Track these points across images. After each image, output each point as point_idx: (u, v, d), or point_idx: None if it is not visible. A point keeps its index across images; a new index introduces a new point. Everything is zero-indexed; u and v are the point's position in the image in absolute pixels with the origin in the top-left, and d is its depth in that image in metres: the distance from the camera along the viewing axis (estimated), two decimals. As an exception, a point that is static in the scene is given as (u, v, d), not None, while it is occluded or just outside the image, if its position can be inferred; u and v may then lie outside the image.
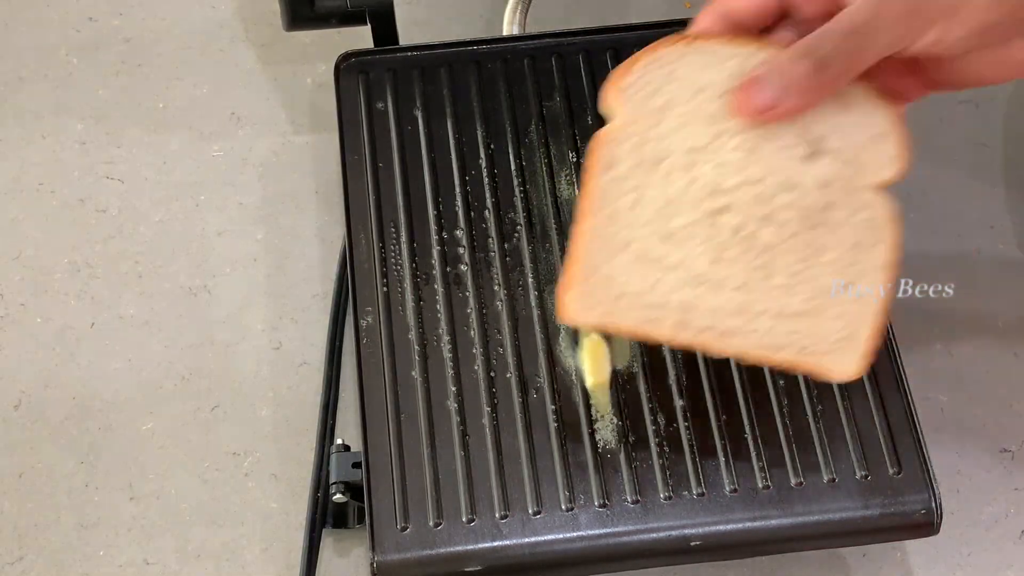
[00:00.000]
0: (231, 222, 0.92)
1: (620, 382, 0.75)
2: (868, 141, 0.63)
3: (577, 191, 0.80)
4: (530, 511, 0.72)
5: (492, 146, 0.84)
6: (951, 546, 0.80)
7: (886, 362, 0.76)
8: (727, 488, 0.72)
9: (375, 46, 0.88)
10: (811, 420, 0.74)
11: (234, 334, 0.87)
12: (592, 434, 0.74)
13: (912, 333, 0.86)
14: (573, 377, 0.75)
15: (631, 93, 0.64)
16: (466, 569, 0.71)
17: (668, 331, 0.65)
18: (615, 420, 0.74)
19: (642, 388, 0.75)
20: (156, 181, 0.94)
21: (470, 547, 0.71)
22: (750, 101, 0.60)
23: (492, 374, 0.76)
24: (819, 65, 0.58)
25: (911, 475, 0.73)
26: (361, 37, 0.89)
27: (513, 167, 0.82)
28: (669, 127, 0.63)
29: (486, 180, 0.82)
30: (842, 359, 0.65)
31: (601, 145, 0.64)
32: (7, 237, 0.91)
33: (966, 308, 0.88)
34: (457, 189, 0.82)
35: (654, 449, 0.73)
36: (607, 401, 0.74)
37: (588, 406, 0.75)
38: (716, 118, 0.63)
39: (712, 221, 0.63)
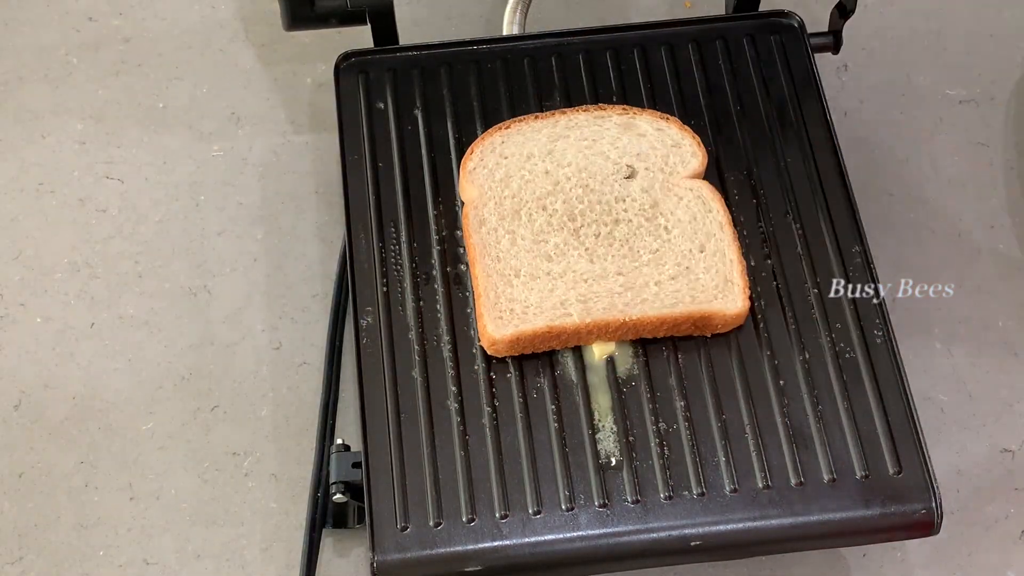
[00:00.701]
0: (231, 222, 0.92)
1: (620, 383, 0.75)
2: (668, 150, 0.82)
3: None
4: (530, 511, 0.72)
5: (492, 146, 0.84)
6: (951, 546, 0.80)
7: (886, 362, 0.76)
8: (727, 488, 0.72)
9: (375, 46, 0.88)
10: (811, 420, 0.74)
11: (234, 334, 0.87)
12: (592, 434, 0.74)
13: (912, 333, 0.86)
14: (573, 377, 0.76)
15: (476, 173, 0.81)
16: (466, 569, 0.71)
17: (577, 319, 0.75)
18: (615, 420, 0.74)
19: (642, 389, 0.75)
20: (156, 181, 0.94)
21: (470, 547, 0.71)
22: None
23: (492, 374, 0.76)
24: None
25: (911, 475, 0.73)
26: (361, 37, 0.89)
27: (513, 167, 0.83)
28: (517, 187, 0.80)
29: (486, 180, 0.82)
30: (728, 299, 0.76)
31: (468, 212, 0.80)
32: (7, 237, 0.91)
33: (966, 308, 0.88)
34: (457, 188, 0.82)
35: (654, 449, 0.73)
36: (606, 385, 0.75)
37: (589, 406, 0.75)
38: (550, 172, 0.81)
39: (576, 235, 0.78)
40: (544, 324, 0.75)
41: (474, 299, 0.77)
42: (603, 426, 0.74)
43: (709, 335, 0.76)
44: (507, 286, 0.77)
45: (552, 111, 0.84)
